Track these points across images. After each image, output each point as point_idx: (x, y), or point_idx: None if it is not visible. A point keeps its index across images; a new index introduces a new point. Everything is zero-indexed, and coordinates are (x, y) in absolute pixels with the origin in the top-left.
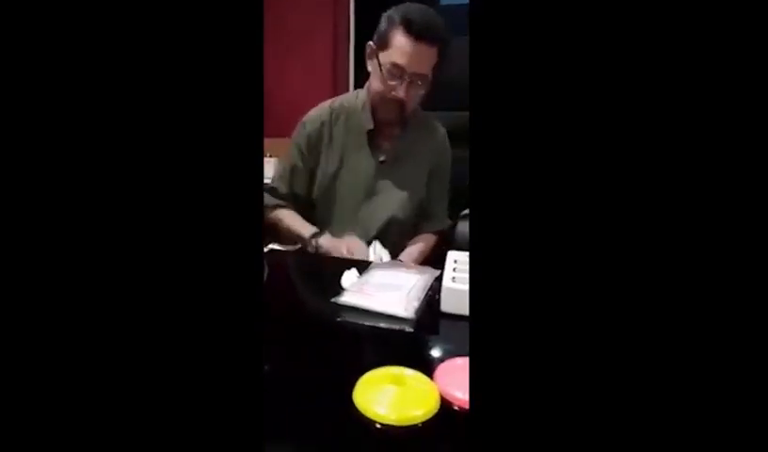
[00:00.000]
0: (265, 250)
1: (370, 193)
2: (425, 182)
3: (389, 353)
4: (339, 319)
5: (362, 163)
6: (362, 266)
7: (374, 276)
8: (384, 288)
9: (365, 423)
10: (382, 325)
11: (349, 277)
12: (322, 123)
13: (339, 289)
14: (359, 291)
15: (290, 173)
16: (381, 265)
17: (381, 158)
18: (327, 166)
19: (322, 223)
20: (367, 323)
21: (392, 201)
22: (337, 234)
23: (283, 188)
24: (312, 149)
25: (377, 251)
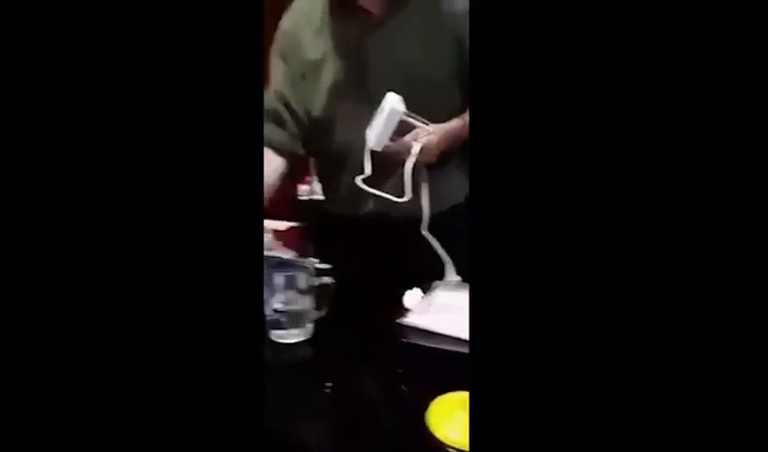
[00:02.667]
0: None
1: (362, 64)
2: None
3: (459, 377)
4: (405, 340)
5: (344, 29)
6: (426, 286)
7: (438, 296)
8: (450, 309)
9: (438, 447)
10: (450, 348)
11: (412, 297)
12: (296, 17)
13: (402, 310)
14: (424, 312)
15: (284, 85)
16: (445, 285)
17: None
18: (310, 53)
19: (316, 129)
20: (435, 345)
21: (395, 70)
22: (340, 133)
23: (281, 107)
24: (295, 46)
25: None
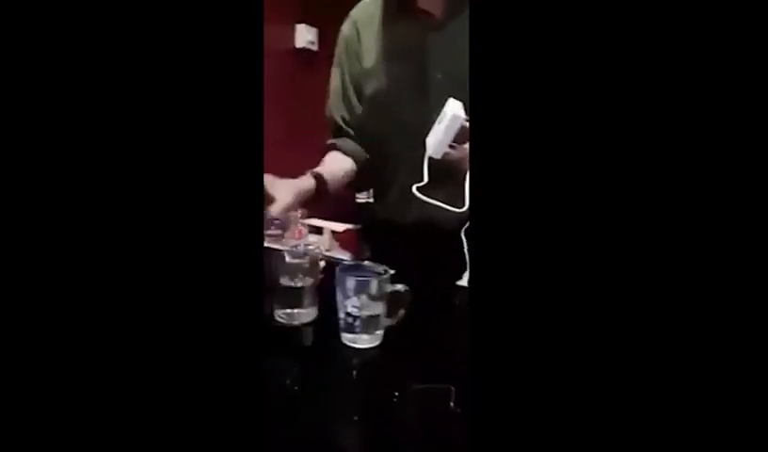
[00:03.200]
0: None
1: (422, 68)
2: None
3: None
4: None
5: (404, 31)
6: None
7: None
8: None
9: None
10: None
11: None
12: (355, 22)
13: None
14: None
15: (341, 92)
16: None
17: (427, 16)
18: (367, 58)
19: (374, 130)
20: None
21: (455, 73)
22: (394, 143)
23: (339, 116)
24: (354, 46)
25: (450, 111)
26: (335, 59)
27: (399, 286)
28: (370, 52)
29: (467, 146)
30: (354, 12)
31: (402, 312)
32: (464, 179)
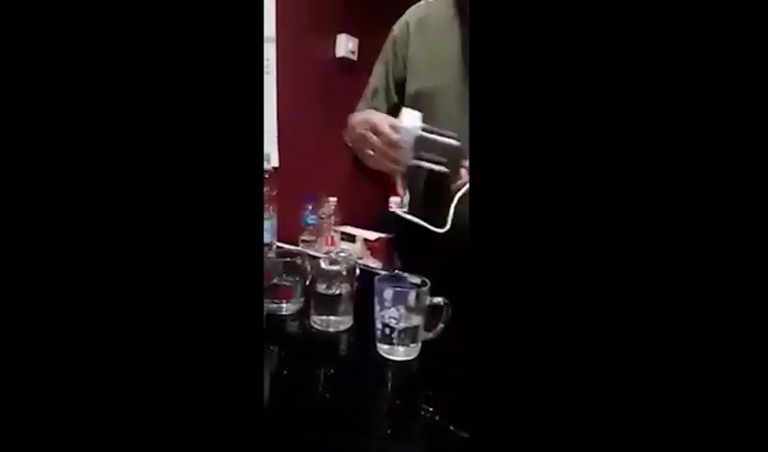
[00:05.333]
0: None
1: (468, 75)
2: None
3: None
4: None
5: (457, 37)
6: None
7: None
8: None
9: None
10: None
11: None
12: (407, 23)
13: None
14: None
15: (384, 82)
16: None
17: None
18: (414, 59)
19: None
20: None
21: None
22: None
23: (376, 102)
24: (401, 47)
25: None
26: (380, 56)
27: (438, 299)
28: (417, 54)
29: (464, 172)
30: (407, 14)
31: (441, 326)
32: (451, 200)
